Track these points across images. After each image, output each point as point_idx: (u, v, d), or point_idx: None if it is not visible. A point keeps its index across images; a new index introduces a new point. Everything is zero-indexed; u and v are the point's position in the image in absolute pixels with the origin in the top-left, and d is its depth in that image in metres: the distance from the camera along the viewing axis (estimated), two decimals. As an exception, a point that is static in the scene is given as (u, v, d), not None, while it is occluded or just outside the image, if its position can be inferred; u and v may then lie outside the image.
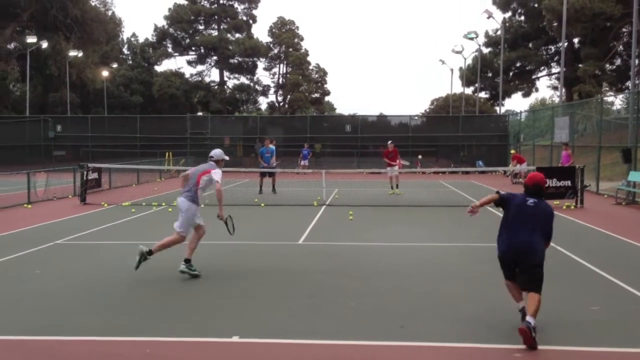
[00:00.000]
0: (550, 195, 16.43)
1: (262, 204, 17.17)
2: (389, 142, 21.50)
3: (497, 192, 6.42)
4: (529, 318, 5.52)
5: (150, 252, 8.20)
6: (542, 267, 5.86)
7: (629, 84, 44.90)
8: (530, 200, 6.11)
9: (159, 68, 69.03)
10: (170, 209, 16.02)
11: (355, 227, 12.85)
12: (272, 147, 21.06)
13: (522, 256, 5.88)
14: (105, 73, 57.64)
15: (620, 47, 43.76)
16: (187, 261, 8.26)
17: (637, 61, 23.62)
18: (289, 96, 67.61)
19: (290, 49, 66.23)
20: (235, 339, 5.73)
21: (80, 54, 51.07)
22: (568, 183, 16.27)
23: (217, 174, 8.58)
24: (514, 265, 6.03)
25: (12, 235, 12.00)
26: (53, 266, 9.08)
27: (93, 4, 53.72)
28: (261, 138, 38.46)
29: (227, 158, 9.26)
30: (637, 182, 17.20)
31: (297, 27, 67.56)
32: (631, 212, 15.49)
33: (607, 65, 43.52)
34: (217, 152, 9.10)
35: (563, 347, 5.47)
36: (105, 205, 17.07)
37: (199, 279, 8.12)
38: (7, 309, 6.76)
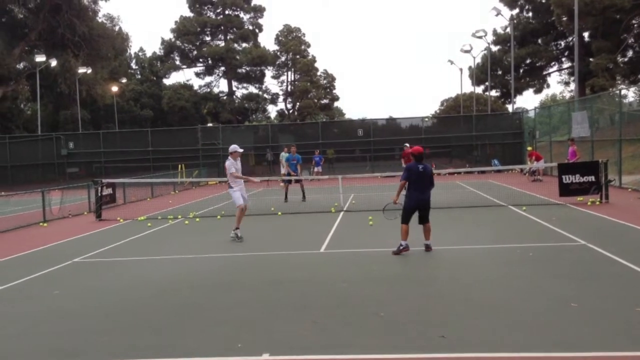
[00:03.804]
0: (574, 192, 16.08)
1: (279, 213, 16.91)
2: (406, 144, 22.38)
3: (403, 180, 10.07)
4: (429, 241, 10.13)
5: (235, 229, 12.26)
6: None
7: (642, 75, 44.34)
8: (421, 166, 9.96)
9: (167, 81, 69.34)
10: (186, 222, 15.82)
11: (377, 233, 12.53)
12: (298, 155, 21.05)
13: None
14: (114, 88, 57.82)
15: (632, 39, 43.21)
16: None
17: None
18: (298, 103, 67.59)
19: (298, 56, 66.28)
20: (266, 356, 5.44)
21: (89, 71, 51.26)
22: (592, 178, 15.85)
23: (227, 166, 12.33)
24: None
25: (29, 255, 11.82)
26: (72, 286, 8.84)
27: (100, 20, 53.93)
28: (272, 147, 38.43)
29: (240, 150, 12.42)
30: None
31: (304, 34, 67.71)
32: (658, 206, 15.04)
33: (619, 58, 42.95)
34: (231, 147, 12.42)
35: (612, 353, 5.11)
36: (121, 220, 16.89)
37: (220, 292, 7.89)
38: (26, 333, 6.52)
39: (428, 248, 10.11)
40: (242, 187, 12.60)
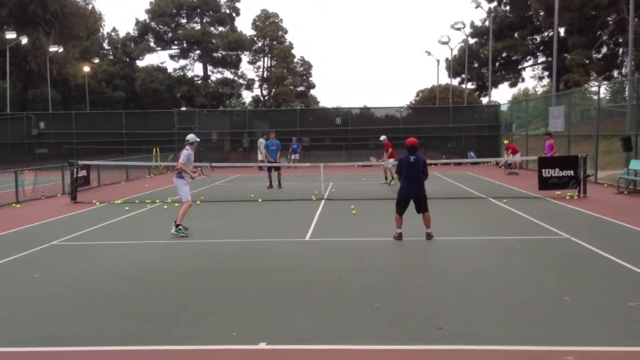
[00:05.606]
0: (552, 186, 16.26)
1: (260, 199, 16.75)
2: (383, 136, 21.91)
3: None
4: (429, 230, 10.25)
5: (177, 225, 10.95)
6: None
7: (615, 72, 45.14)
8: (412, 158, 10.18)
9: (141, 63, 68.14)
10: (165, 206, 15.56)
11: (361, 222, 12.49)
12: (277, 140, 20.80)
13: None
14: (86, 68, 56.50)
15: (606, 36, 43.87)
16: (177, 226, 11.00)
17: (627, 48, 23.47)
18: (273, 90, 67.11)
19: (275, 42, 65.76)
20: (263, 345, 5.33)
21: (61, 50, 49.99)
22: (571, 173, 16.04)
23: (182, 155, 11.14)
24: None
25: (5, 237, 11.48)
26: (52, 269, 8.60)
27: (72, -2, 52.61)
28: (248, 132, 38.06)
29: (197, 139, 11.59)
30: (639, 171, 17.04)
31: (281, 20, 67.17)
32: (636, 201, 15.29)
33: (594, 54, 43.58)
34: (190, 136, 11.60)
35: (610, 348, 5.13)
36: (97, 203, 16.53)
37: (208, 279, 7.75)
38: (10, 318, 6.29)
39: (429, 236, 10.22)
40: (190, 181, 11.66)
